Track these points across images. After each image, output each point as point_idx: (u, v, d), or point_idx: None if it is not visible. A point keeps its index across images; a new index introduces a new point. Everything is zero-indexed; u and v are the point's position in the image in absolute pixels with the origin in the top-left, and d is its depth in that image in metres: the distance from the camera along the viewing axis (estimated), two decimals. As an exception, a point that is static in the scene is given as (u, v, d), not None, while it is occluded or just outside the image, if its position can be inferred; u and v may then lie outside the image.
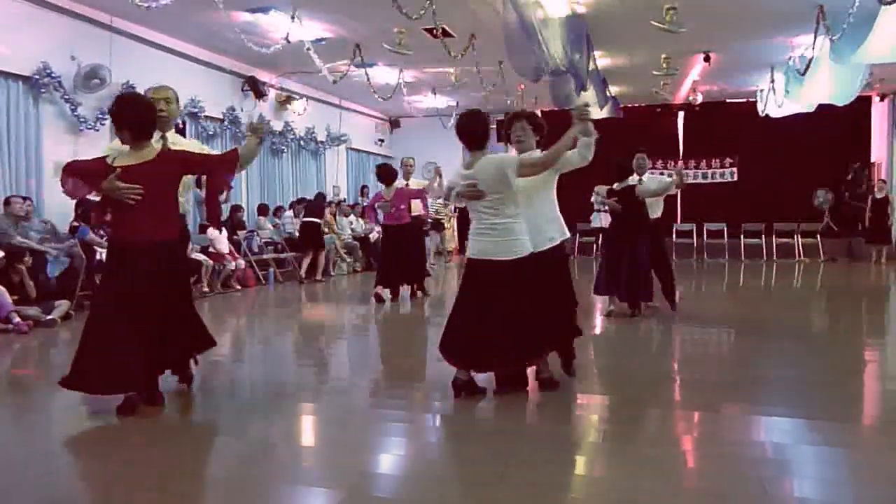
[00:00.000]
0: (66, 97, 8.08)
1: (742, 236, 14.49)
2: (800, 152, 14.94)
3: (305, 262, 10.75)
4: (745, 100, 14.55)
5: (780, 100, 11.81)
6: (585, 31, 8.92)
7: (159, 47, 9.67)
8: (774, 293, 10.23)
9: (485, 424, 3.82)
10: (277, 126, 12.47)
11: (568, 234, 4.35)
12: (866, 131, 15.22)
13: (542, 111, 16.55)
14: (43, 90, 7.84)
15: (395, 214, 8.41)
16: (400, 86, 12.12)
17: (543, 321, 4.04)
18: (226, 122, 11.10)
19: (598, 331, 6.76)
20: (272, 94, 12.32)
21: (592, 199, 15.12)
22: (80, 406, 3.93)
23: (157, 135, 4.07)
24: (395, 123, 17.53)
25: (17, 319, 6.29)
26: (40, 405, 4.38)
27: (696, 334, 6.56)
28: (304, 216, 11.00)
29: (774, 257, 14.30)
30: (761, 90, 13.14)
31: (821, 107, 11.12)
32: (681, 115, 15.81)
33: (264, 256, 10.72)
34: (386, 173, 8.56)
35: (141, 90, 8.98)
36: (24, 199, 7.31)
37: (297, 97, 12.93)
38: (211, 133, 10.71)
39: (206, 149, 4.36)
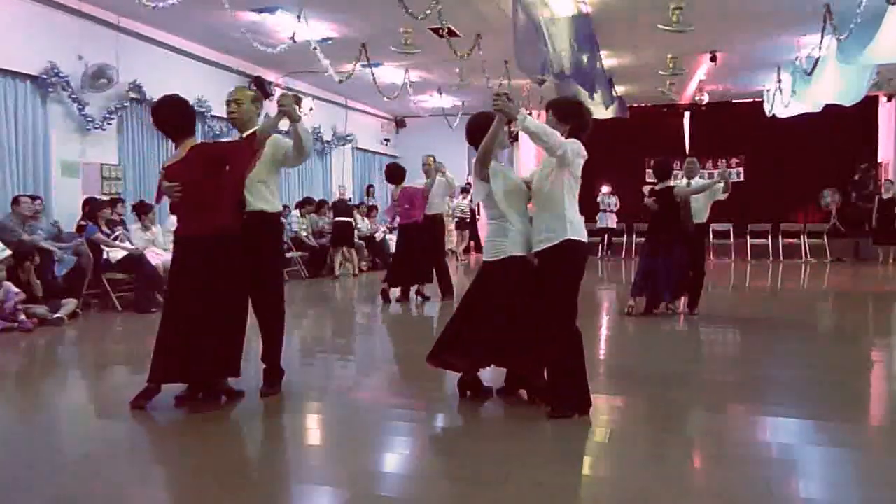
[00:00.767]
0: (74, 97, 8.12)
1: (748, 237, 14.44)
2: (807, 153, 14.89)
3: (338, 259, 11.16)
4: (751, 100, 14.50)
5: (786, 100, 11.77)
6: (591, 31, 8.91)
7: (166, 47, 9.71)
8: (781, 294, 10.19)
9: (490, 424, 3.82)
10: (283, 126, 12.45)
11: (569, 237, 3.74)
12: (874, 131, 15.16)
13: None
14: (50, 90, 7.88)
15: (404, 213, 8.39)
16: (406, 85, 12.13)
17: (525, 327, 3.77)
18: (232, 122, 11.11)
19: (605, 330, 6.76)
20: (278, 93, 12.33)
21: (599, 199, 15.22)
22: (88, 405, 3.95)
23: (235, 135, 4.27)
24: (400, 123, 17.55)
25: (23, 317, 6.32)
26: (43, 404, 4.40)
27: (702, 334, 6.54)
28: (335, 216, 11.52)
29: (781, 258, 14.25)
30: (768, 90, 13.09)
31: (828, 107, 11.07)
32: (687, 115, 15.77)
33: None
34: (391, 172, 8.57)
35: (147, 90, 9.15)
36: (34, 198, 7.34)
37: (304, 97, 12.95)
38: (217, 132, 10.72)
39: (281, 140, 4.25)
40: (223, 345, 3.92)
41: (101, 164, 8.66)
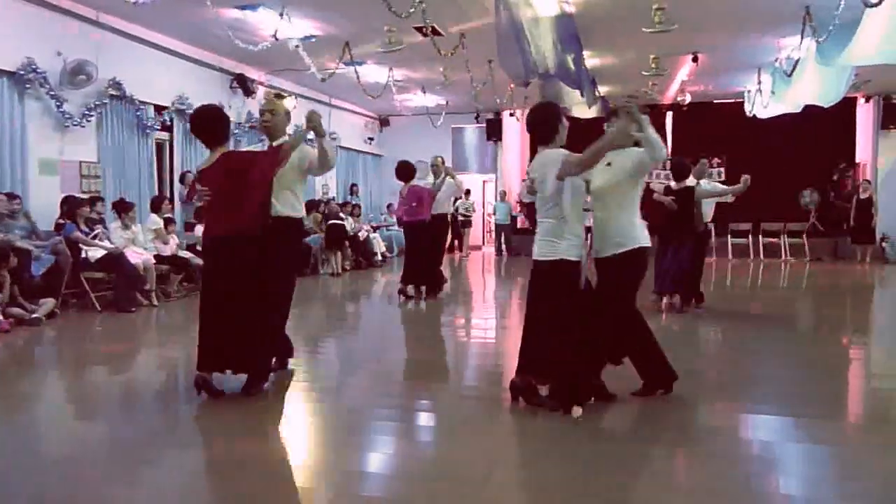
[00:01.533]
0: (52, 93, 8.00)
1: (729, 236, 14.57)
2: (786, 153, 15.04)
3: (334, 260, 11.35)
4: (732, 100, 14.64)
5: (766, 100, 11.89)
6: (575, 31, 8.94)
7: (147, 43, 9.60)
8: (761, 292, 10.29)
9: (474, 424, 3.82)
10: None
11: (640, 245, 3.87)
12: (851, 132, 15.36)
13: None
14: (28, 86, 7.75)
15: (409, 211, 8.48)
16: (389, 84, 12.10)
17: (572, 334, 3.73)
18: (214, 120, 11.02)
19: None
20: (261, 91, 12.27)
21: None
22: (67, 406, 3.90)
23: (264, 142, 4.47)
24: (384, 122, 17.52)
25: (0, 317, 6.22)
26: (21, 405, 4.33)
27: (685, 332, 6.59)
28: (328, 220, 11.83)
29: (762, 257, 14.40)
30: (748, 91, 13.21)
31: (807, 107, 11.20)
32: (669, 115, 15.89)
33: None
34: (401, 170, 8.63)
35: (127, 87, 9.05)
36: (11, 196, 7.22)
37: (287, 95, 12.88)
38: (199, 130, 10.64)
39: (308, 150, 4.40)
40: (258, 334, 4.16)
41: (80, 162, 8.55)
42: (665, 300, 7.28)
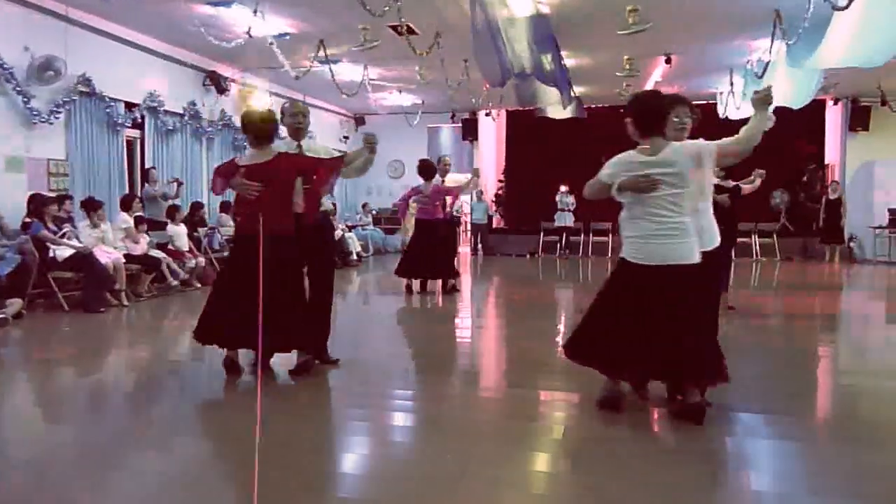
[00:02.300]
0: (19, 89, 7.82)
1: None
2: (757, 154, 15.18)
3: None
4: (705, 102, 14.81)
5: (738, 102, 12.06)
6: (551, 31, 8.97)
7: (118, 39, 9.44)
8: (731, 291, 10.41)
9: (448, 422, 3.81)
10: (240, 122, 12.26)
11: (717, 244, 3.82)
12: (820, 134, 15.63)
13: (507, 110, 16.73)
14: (-6, 81, 7.59)
15: (429, 210, 8.64)
16: (365, 83, 12.05)
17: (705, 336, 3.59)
18: (186, 117, 10.89)
19: (563, 328, 6.82)
20: (234, 88, 12.14)
21: (557, 198, 15.37)
22: (34, 408, 3.81)
23: (293, 143, 4.71)
24: (360, 120, 17.44)
25: (-35, 318, 6.08)
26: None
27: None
28: None
29: (734, 256, 14.56)
30: (721, 92, 13.39)
31: (777, 109, 11.34)
32: (643, 116, 16.01)
33: (226, 254, 10.53)
34: (425, 168, 8.71)
35: (97, 83, 8.89)
36: (-26, 194, 7.07)
37: (260, 92, 12.76)
38: (170, 128, 10.49)
39: (334, 152, 4.83)
40: (304, 321, 4.45)
41: (48, 160, 8.38)
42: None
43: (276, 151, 4.41)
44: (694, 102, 4.01)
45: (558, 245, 15.38)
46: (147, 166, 10.10)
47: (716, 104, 13.97)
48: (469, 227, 16.79)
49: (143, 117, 9.96)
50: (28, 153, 8.10)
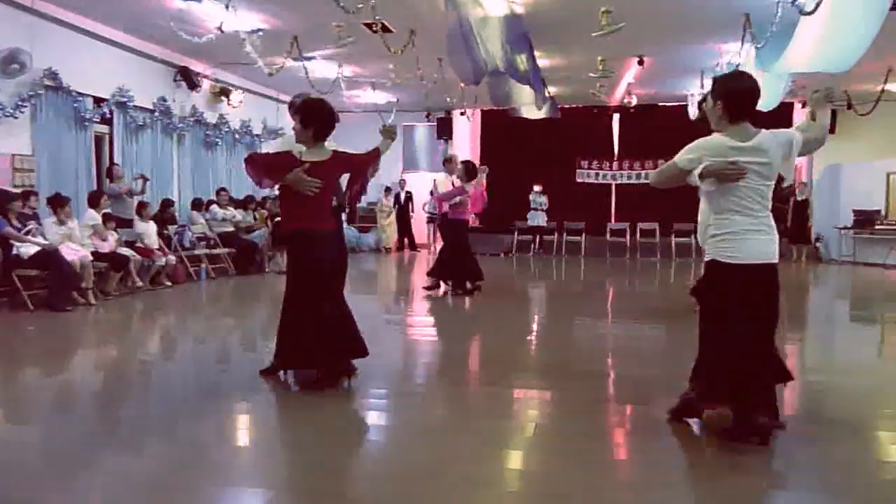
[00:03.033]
0: (-18, 82, 7.65)
1: (673, 235, 14.93)
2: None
3: (279, 257, 11.05)
4: (676, 104, 15.01)
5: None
6: (525, 31, 9.01)
7: (85, 33, 9.25)
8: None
9: (421, 420, 3.80)
10: (212, 118, 12.13)
11: None
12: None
13: (482, 110, 16.75)
14: (-44, 74, 7.40)
15: (462, 210, 8.69)
16: (339, 80, 11.97)
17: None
18: (157, 113, 10.71)
19: (537, 327, 6.85)
20: (206, 85, 11.98)
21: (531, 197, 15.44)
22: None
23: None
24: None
25: (-74, 317, 5.91)
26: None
27: (628, 330, 6.72)
28: (275, 217, 11.32)
29: (704, 256, 14.77)
30: (691, 95, 13.56)
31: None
32: (616, 116, 16.17)
33: (196, 252, 10.41)
34: (471, 170, 8.70)
35: (64, 77, 8.70)
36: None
37: (233, 89, 12.62)
38: (140, 124, 10.32)
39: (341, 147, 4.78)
40: (347, 328, 4.37)
41: (13, 155, 8.18)
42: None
43: (329, 150, 4.39)
44: (666, 104, 3.99)
45: (532, 245, 15.46)
46: (116, 162, 9.91)
47: (686, 106, 14.16)
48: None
49: (111, 112, 9.78)
50: (-8, 148, 7.92)
